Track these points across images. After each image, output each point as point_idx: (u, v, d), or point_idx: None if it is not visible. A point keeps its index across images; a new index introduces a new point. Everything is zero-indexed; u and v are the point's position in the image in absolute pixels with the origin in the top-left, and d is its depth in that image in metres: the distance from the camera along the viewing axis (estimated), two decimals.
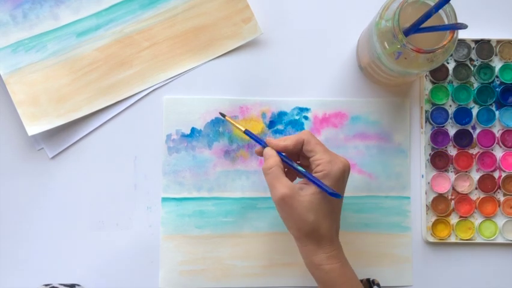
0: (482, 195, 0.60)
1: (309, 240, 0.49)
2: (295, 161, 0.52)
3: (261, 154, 0.53)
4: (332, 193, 0.48)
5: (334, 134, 0.60)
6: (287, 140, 0.51)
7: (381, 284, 0.58)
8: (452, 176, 0.60)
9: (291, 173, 0.53)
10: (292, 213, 0.48)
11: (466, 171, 0.60)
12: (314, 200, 0.48)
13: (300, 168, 0.51)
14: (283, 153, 0.52)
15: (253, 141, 0.59)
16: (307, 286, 0.59)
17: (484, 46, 0.60)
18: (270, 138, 0.53)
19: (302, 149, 0.51)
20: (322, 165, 0.49)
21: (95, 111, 0.59)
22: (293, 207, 0.48)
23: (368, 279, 0.56)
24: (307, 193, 0.48)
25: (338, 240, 0.51)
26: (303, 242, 0.50)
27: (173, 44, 0.60)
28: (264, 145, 0.53)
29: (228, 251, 0.59)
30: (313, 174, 0.49)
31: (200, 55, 0.60)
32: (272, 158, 0.50)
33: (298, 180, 0.54)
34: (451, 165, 0.60)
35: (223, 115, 0.58)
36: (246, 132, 0.55)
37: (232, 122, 0.57)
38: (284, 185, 0.48)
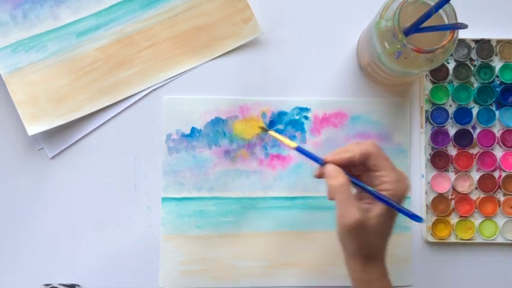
0: (482, 195, 0.59)
1: (365, 260, 0.46)
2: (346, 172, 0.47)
3: (320, 176, 0.48)
4: (414, 216, 0.45)
5: (334, 134, 0.60)
6: (349, 152, 0.46)
7: None
8: (452, 175, 0.60)
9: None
10: (361, 238, 0.45)
11: (466, 171, 0.60)
12: (381, 223, 0.45)
13: (374, 191, 0.46)
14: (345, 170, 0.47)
15: (253, 141, 0.59)
16: (307, 286, 0.59)
17: (484, 46, 0.60)
18: (328, 156, 0.47)
19: (366, 162, 0.46)
20: (390, 183, 0.45)
21: (95, 111, 0.59)
22: (363, 233, 0.45)
23: None
24: (374, 214, 0.45)
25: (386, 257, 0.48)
26: (358, 260, 0.46)
27: (173, 44, 0.60)
28: (322, 163, 0.47)
29: (228, 251, 0.59)
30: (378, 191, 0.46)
31: (200, 55, 0.60)
32: (340, 175, 0.45)
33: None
34: (451, 165, 0.60)
35: (265, 129, 0.57)
36: (298, 149, 0.49)
37: (280, 137, 0.51)
38: (357, 209, 0.44)
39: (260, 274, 0.59)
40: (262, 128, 0.57)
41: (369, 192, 0.46)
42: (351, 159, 0.46)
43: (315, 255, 0.59)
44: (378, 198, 0.45)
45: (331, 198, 0.47)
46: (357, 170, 0.48)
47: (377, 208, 0.45)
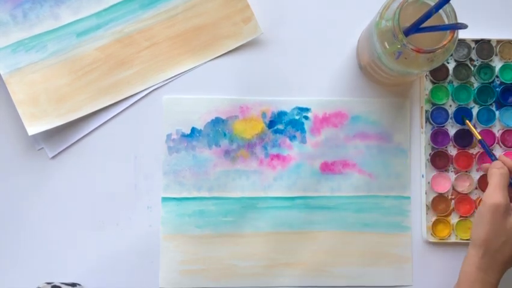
0: (482, 195, 0.59)
1: (484, 255, 0.50)
2: None
3: (484, 170, 0.56)
4: None
5: (334, 134, 0.60)
6: None
7: (381, 284, 0.58)
8: (452, 175, 0.60)
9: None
10: (492, 223, 0.49)
11: (466, 171, 0.60)
12: None
13: None
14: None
15: (253, 141, 0.59)
16: (307, 286, 0.59)
17: (484, 46, 0.60)
18: (504, 156, 0.54)
19: None
20: None
21: (95, 111, 0.59)
22: (496, 219, 0.49)
23: None
24: None
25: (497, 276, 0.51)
26: (479, 252, 0.50)
27: (173, 43, 0.60)
28: (495, 159, 0.54)
29: (228, 250, 0.59)
30: None
31: (200, 55, 0.60)
32: (504, 169, 0.52)
33: None
34: (451, 165, 0.60)
35: (464, 118, 0.59)
36: (481, 142, 0.57)
37: (472, 129, 0.57)
38: (504, 196, 0.50)
39: (260, 274, 0.59)
40: (463, 117, 0.59)
41: None
42: None
43: (315, 255, 0.59)
44: None
45: (491, 174, 0.52)
46: None
47: None
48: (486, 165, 0.56)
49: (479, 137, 0.57)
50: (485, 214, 0.50)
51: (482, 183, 0.59)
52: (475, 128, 0.59)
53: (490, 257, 0.50)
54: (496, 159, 0.54)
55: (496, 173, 0.51)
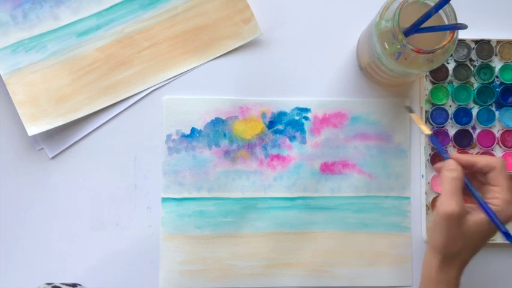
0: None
1: (445, 259, 0.49)
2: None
3: (438, 170, 0.52)
4: (507, 234, 0.47)
5: (334, 134, 0.60)
6: (476, 158, 0.50)
7: (381, 284, 0.58)
8: None
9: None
10: (449, 231, 0.47)
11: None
12: (474, 229, 0.47)
13: (481, 198, 0.49)
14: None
15: (253, 142, 0.59)
16: (307, 286, 0.59)
17: (484, 46, 0.60)
18: (457, 154, 0.51)
19: (488, 174, 0.49)
20: (500, 200, 0.47)
21: (95, 111, 0.59)
22: (453, 227, 0.47)
23: None
24: (473, 219, 0.47)
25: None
26: (439, 257, 0.49)
27: (173, 44, 0.60)
28: (446, 156, 0.51)
29: (228, 251, 0.59)
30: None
31: (200, 55, 0.60)
32: (458, 170, 0.48)
33: None
34: None
35: (411, 110, 0.57)
36: (431, 137, 0.54)
37: (419, 122, 0.55)
38: (457, 203, 0.47)
39: (260, 274, 0.59)
40: (408, 107, 0.58)
41: (476, 198, 0.48)
42: (475, 163, 0.49)
43: (315, 255, 0.59)
44: (482, 206, 0.48)
45: (445, 183, 0.49)
46: (477, 183, 0.50)
47: (478, 216, 0.47)
48: (438, 165, 0.53)
49: (429, 132, 0.53)
50: (439, 222, 0.48)
51: None
52: (476, 127, 0.59)
53: (449, 260, 0.49)
54: (449, 157, 0.51)
55: (447, 179, 0.48)
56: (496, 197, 0.48)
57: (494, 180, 0.48)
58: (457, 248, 0.48)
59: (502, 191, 0.48)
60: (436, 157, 0.59)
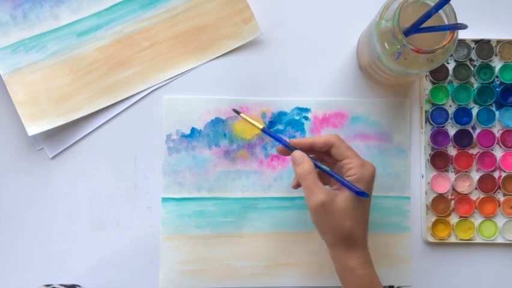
0: (482, 195, 0.60)
1: (343, 245, 0.49)
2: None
3: (282, 153, 0.53)
4: (360, 192, 0.48)
5: None
6: (313, 139, 0.50)
7: (381, 284, 0.58)
8: (452, 176, 0.60)
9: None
10: (329, 219, 0.48)
11: (466, 171, 0.60)
12: (349, 205, 0.48)
13: (328, 169, 0.50)
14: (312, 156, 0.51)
15: (253, 141, 0.59)
16: (307, 286, 0.59)
17: (484, 46, 0.60)
18: (294, 139, 0.52)
19: (331, 152, 0.50)
20: (354, 169, 0.49)
21: (95, 111, 0.59)
22: (330, 214, 0.48)
23: (390, 287, 0.58)
24: (341, 199, 0.48)
25: (367, 246, 0.51)
26: (337, 247, 0.49)
27: (173, 44, 0.60)
28: (285, 144, 0.52)
29: (228, 251, 0.59)
30: (346, 178, 0.49)
31: (200, 55, 0.60)
32: (306, 162, 0.49)
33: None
34: (450, 165, 0.60)
35: (237, 112, 0.57)
36: (264, 130, 0.54)
37: (248, 119, 0.55)
38: (322, 191, 0.48)
39: (260, 274, 0.59)
40: (235, 111, 0.57)
41: (328, 173, 0.50)
42: (313, 143, 0.50)
43: (315, 255, 0.59)
44: (332, 176, 0.49)
45: (296, 186, 0.53)
46: (328, 164, 0.51)
47: (345, 193, 0.48)
48: (280, 148, 0.52)
49: (261, 126, 0.53)
50: (316, 217, 0.49)
51: (482, 184, 0.59)
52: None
53: (348, 245, 0.49)
54: (287, 144, 0.51)
55: (299, 176, 0.49)
56: (349, 168, 0.49)
57: (339, 155, 0.50)
58: (347, 228, 0.48)
59: (350, 160, 0.49)
60: (436, 157, 0.60)
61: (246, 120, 0.55)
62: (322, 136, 0.51)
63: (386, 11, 0.50)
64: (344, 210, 0.48)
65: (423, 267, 0.59)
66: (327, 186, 0.50)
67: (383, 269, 0.59)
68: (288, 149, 0.51)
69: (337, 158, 0.50)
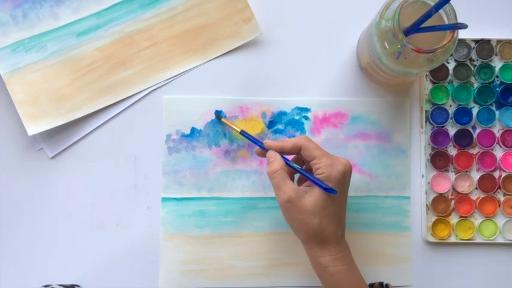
0: (482, 195, 0.60)
1: (314, 243, 0.50)
2: (300, 166, 0.52)
3: (260, 155, 0.54)
4: (327, 188, 0.48)
5: (334, 134, 0.60)
6: (284, 142, 0.52)
7: (388, 283, 0.58)
8: (452, 176, 0.60)
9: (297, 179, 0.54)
10: (298, 216, 0.49)
11: (466, 171, 0.60)
12: (318, 203, 0.48)
13: (297, 166, 0.51)
14: (285, 156, 0.52)
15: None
16: (307, 286, 0.59)
17: (484, 46, 0.60)
18: (268, 140, 0.53)
19: (301, 154, 0.51)
20: (322, 168, 0.49)
21: (95, 111, 0.59)
22: (298, 210, 0.49)
23: (380, 283, 0.57)
24: (311, 195, 0.49)
25: (345, 242, 0.51)
26: (309, 245, 0.50)
27: (173, 44, 0.60)
28: (261, 146, 0.53)
29: (228, 251, 0.59)
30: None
31: (200, 55, 0.60)
32: (276, 161, 0.51)
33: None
34: (451, 165, 0.60)
35: (219, 117, 0.58)
36: (242, 133, 0.56)
37: (228, 123, 0.58)
38: (289, 188, 0.49)
39: (260, 274, 0.59)
40: (216, 116, 0.59)
41: (294, 169, 0.51)
42: (283, 146, 0.51)
43: None
44: (302, 173, 0.50)
45: (271, 180, 0.51)
46: (308, 165, 0.52)
47: (314, 190, 0.49)
48: (257, 149, 0.54)
49: (239, 130, 0.56)
50: (285, 214, 0.50)
51: (483, 183, 0.59)
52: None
53: (321, 241, 0.49)
54: (262, 145, 0.53)
55: (269, 174, 0.50)
56: (318, 168, 0.49)
57: (307, 156, 0.50)
58: (316, 226, 0.49)
59: (319, 160, 0.49)
60: (436, 157, 0.60)
61: (226, 123, 0.58)
62: (291, 139, 0.52)
63: (386, 10, 0.50)
64: (313, 207, 0.48)
65: (423, 267, 0.59)
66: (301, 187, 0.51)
67: (383, 268, 0.59)
68: (264, 150, 0.53)
69: (307, 159, 0.51)
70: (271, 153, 0.52)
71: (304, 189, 0.50)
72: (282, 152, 0.52)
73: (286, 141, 0.52)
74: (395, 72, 0.53)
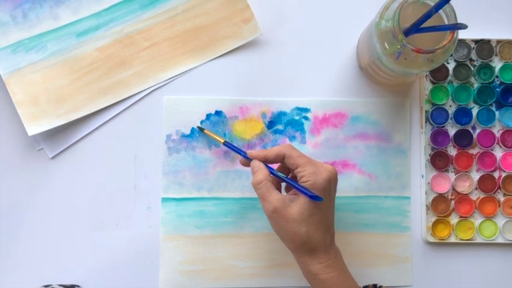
0: (482, 195, 0.60)
1: (303, 251, 0.49)
2: (286, 175, 0.52)
3: (245, 164, 0.54)
4: (313, 196, 0.48)
5: (334, 134, 0.60)
6: (267, 151, 0.51)
7: (381, 284, 0.58)
8: (452, 176, 0.60)
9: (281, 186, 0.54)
10: (285, 225, 0.49)
11: (466, 171, 0.60)
12: (304, 211, 0.48)
13: (281, 174, 0.51)
14: (270, 165, 0.52)
15: (253, 141, 0.59)
16: (307, 286, 0.59)
17: (484, 46, 0.60)
18: (251, 150, 0.54)
19: (285, 162, 0.51)
20: (306, 176, 0.49)
21: (95, 111, 0.59)
22: (285, 220, 0.48)
23: (374, 285, 0.57)
24: (297, 204, 0.48)
25: (335, 248, 0.51)
26: (298, 253, 0.50)
27: (173, 44, 0.60)
28: (245, 156, 0.53)
29: (228, 251, 0.59)
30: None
31: (200, 55, 0.60)
32: (260, 171, 0.50)
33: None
34: (451, 165, 0.60)
35: (201, 129, 0.58)
36: (226, 144, 0.56)
37: (211, 134, 0.57)
38: (275, 198, 0.49)
39: (260, 274, 0.59)
40: (199, 128, 0.59)
41: (283, 180, 0.51)
42: (266, 155, 0.51)
43: None
44: (287, 182, 0.50)
45: (256, 191, 0.51)
46: (292, 173, 0.52)
47: (299, 198, 0.49)
48: (241, 160, 0.54)
49: (222, 140, 0.56)
50: (272, 224, 0.50)
51: (482, 184, 0.59)
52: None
53: (311, 250, 0.49)
54: (246, 155, 0.53)
55: (253, 185, 0.50)
56: (302, 176, 0.49)
57: (292, 165, 0.50)
58: (304, 235, 0.48)
59: (303, 168, 0.49)
60: (436, 157, 0.60)
61: (209, 135, 0.58)
62: (274, 148, 0.51)
63: (386, 11, 0.50)
64: (299, 215, 0.48)
65: (423, 267, 0.59)
66: (286, 194, 0.51)
67: (383, 269, 0.59)
68: (248, 160, 0.53)
69: (291, 167, 0.51)
70: (255, 163, 0.51)
71: (290, 197, 0.49)
72: (266, 161, 0.52)
73: (270, 150, 0.51)
74: (395, 72, 0.53)
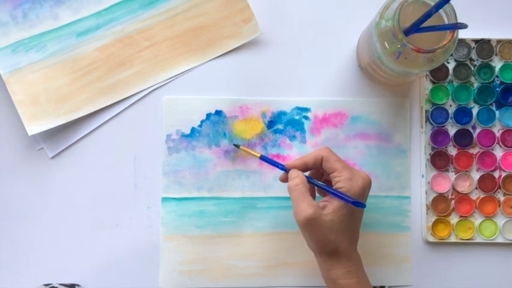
0: (482, 195, 0.59)
1: (327, 256, 0.49)
2: (319, 180, 0.52)
3: (284, 180, 0.53)
4: (355, 202, 0.48)
5: (334, 134, 0.60)
6: (305, 158, 0.51)
7: (381, 284, 0.58)
8: (452, 175, 0.60)
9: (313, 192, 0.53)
10: (315, 233, 0.48)
11: (466, 171, 0.60)
12: (336, 218, 0.48)
13: (320, 183, 0.51)
14: (306, 173, 0.52)
15: (253, 141, 0.59)
16: (307, 286, 0.59)
17: (484, 46, 0.60)
18: (288, 162, 0.53)
19: (322, 166, 0.51)
20: (342, 182, 0.49)
21: (95, 111, 0.59)
22: (316, 228, 0.48)
23: (382, 287, 0.57)
24: (329, 211, 0.48)
25: (357, 255, 0.51)
26: (322, 257, 0.50)
27: (173, 44, 0.60)
28: (283, 168, 0.53)
29: (228, 251, 0.59)
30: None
31: (200, 55, 0.60)
32: (298, 177, 0.50)
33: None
34: (451, 165, 0.60)
35: (237, 146, 0.58)
36: (262, 158, 0.56)
37: (248, 150, 0.57)
38: (309, 204, 0.48)
39: (260, 274, 0.59)
40: (235, 145, 0.59)
41: (322, 188, 0.51)
42: (306, 162, 0.51)
43: None
44: (328, 191, 0.50)
45: (290, 194, 0.51)
46: (327, 177, 0.52)
47: (333, 205, 0.49)
48: (281, 176, 0.54)
49: (258, 155, 0.56)
50: (304, 230, 0.49)
51: (483, 183, 0.59)
52: (478, 128, 0.59)
53: (334, 255, 0.49)
54: (283, 167, 0.53)
55: (289, 189, 0.50)
56: (338, 181, 0.49)
57: (328, 168, 0.50)
58: (332, 242, 0.48)
59: (339, 173, 0.49)
60: (436, 157, 0.60)
61: (246, 151, 0.57)
62: (312, 153, 0.51)
63: (386, 10, 0.50)
64: (331, 223, 0.48)
65: (423, 267, 0.59)
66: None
67: (383, 269, 0.59)
68: (286, 172, 0.53)
69: (327, 171, 0.51)
70: (293, 171, 0.51)
71: (323, 204, 0.49)
72: (307, 168, 0.52)
73: (307, 156, 0.51)
74: (395, 72, 0.53)
